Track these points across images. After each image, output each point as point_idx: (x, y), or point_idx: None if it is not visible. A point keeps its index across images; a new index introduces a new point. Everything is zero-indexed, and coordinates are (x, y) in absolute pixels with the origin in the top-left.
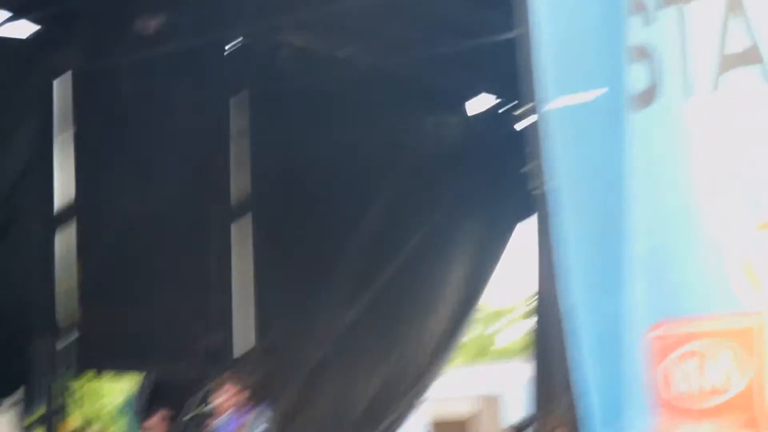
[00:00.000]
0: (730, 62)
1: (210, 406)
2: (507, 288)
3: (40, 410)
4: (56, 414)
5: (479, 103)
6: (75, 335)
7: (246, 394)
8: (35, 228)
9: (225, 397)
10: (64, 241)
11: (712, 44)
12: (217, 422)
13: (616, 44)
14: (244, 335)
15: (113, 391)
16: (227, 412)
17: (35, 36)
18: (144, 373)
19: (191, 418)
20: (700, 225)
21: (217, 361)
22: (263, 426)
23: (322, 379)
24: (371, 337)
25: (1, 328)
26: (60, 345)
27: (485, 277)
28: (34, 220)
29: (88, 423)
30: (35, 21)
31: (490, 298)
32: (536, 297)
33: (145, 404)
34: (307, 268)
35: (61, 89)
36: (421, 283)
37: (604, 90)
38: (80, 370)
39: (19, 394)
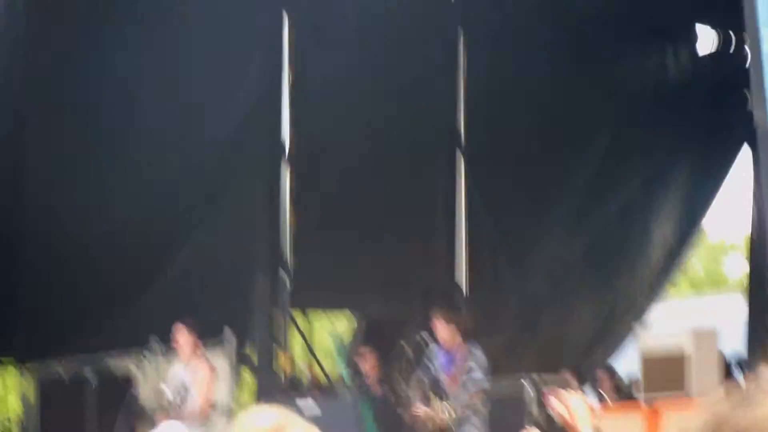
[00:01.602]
0: None
1: (423, 342)
2: (727, 222)
3: (256, 344)
4: (270, 349)
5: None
6: (291, 273)
7: (458, 330)
8: (261, 166)
9: (441, 334)
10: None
11: None
12: (429, 357)
13: None
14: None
15: (324, 330)
16: (440, 349)
17: None
18: (356, 313)
19: (402, 357)
20: None
21: (430, 300)
22: (478, 360)
23: (540, 312)
24: (590, 270)
25: (223, 265)
26: (277, 282)
27: (704, 209)
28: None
29: (301, 360)
30: None
31: (710, 231)
32: (751, 233)
33: (358, 343)
34: (523, 210)
35: None
36: (641, 215)
37: None
38: (293, 307)
39: (235, 327)
